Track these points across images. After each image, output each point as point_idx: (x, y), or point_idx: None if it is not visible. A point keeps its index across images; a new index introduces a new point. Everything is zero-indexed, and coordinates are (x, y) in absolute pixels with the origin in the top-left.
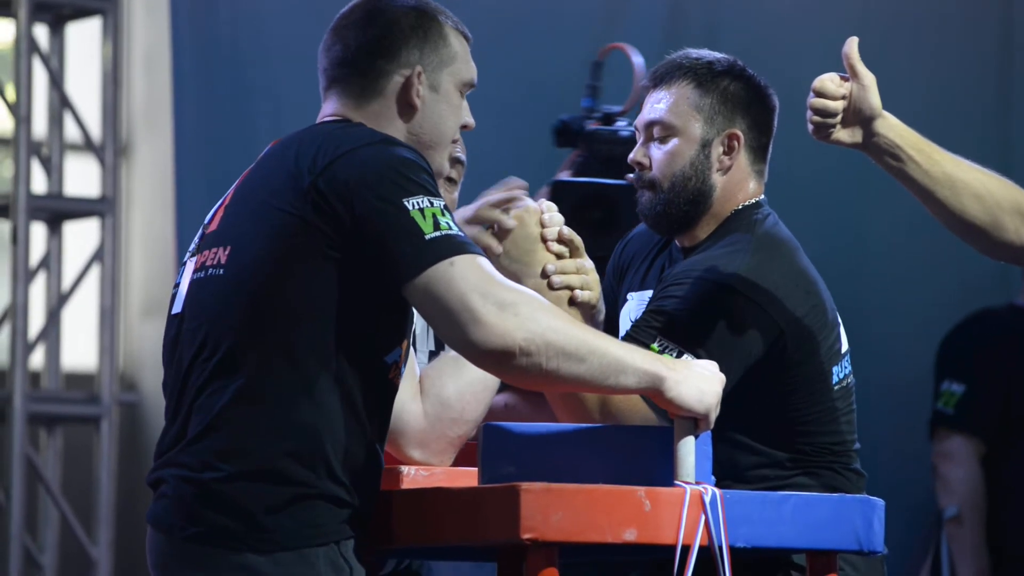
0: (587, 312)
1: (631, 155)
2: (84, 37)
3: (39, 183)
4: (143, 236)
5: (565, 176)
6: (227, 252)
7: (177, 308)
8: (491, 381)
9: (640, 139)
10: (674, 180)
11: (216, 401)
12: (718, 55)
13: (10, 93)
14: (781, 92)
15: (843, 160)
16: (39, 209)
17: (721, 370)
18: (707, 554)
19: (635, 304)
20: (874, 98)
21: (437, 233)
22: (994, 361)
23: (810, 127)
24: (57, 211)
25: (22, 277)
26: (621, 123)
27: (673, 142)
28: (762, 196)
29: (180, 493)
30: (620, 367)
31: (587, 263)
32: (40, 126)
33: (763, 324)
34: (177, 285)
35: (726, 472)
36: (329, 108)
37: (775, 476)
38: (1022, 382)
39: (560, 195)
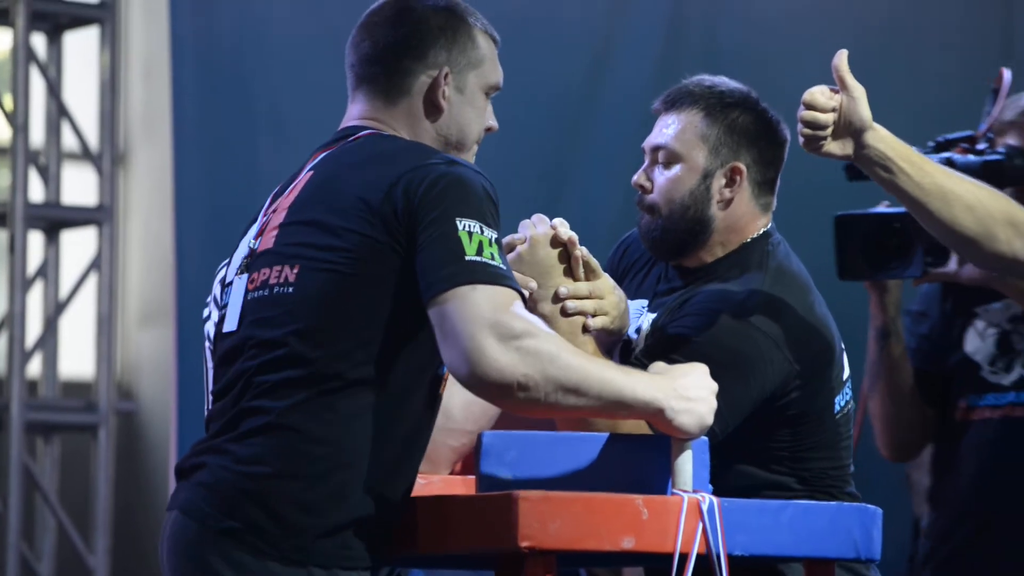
0: (603, 337)
1: (634, 177)
2: (82, 46)
3: (36, 192)
4: (141, 245)
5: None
6: (295, 271)
7: (230, 326)
8: None
9: (646, 161)
10: (672, 208)
11: (278, 405)
12: (733, 85)
13: (7, 102)
14: (780, 96)
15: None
16: (36, 218)
17: (733, 403)
18: (705, 562)
19: (629, 313)
20: (864, 110)
21: (477, 258)
22: None
23: (801, 140)
24: (54, 220)
25: (19, 285)
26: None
27: (675, 169)
28: (771, 224)
29: (220, 481)
30: (620, 400)
31: (603, 285)
32: (37, 135)
33: (778, 363)
34: (224, 305)
35: (725, 495)
36: (358, 109)
37: (774, 498)
38: None
39: (847, 229)
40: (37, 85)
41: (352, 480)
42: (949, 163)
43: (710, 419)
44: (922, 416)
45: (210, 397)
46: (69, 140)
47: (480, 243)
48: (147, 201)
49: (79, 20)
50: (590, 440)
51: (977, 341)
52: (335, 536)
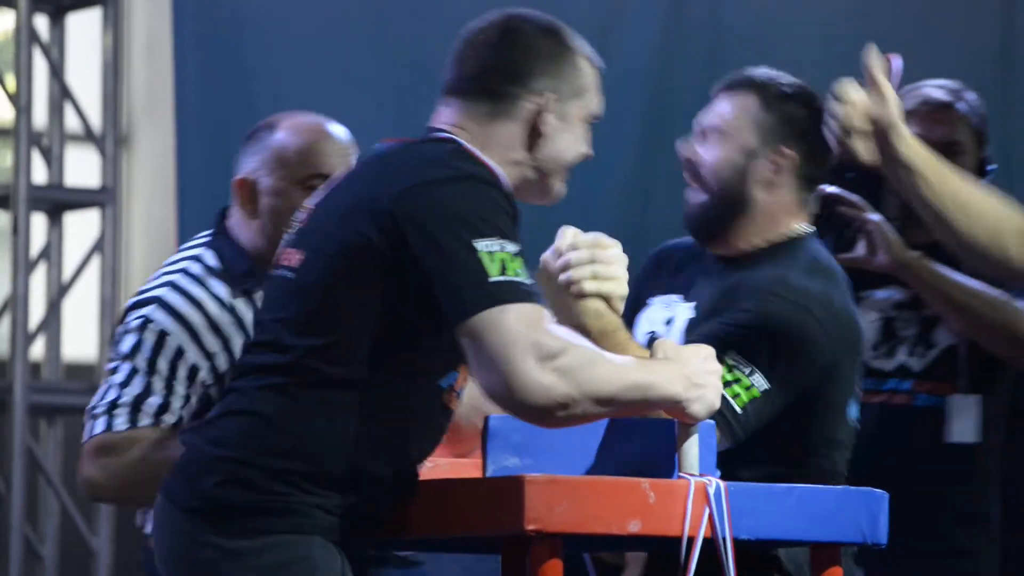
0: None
1: (681, 150)
2: (84, 27)
3: (39, 174)
4: (144, 226)
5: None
6: (301, 258)
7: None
8: None
9: (697, 138)
10: (717, 181)
11: (251, 389)
12: (793, 79)
13: (10, 83)
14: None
15: None
16: (39, 200)
17: (778, 390)
18: (711, 546)
19: (655, 308)
20: (893, 110)
21: (502, 278)
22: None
23: (828, 135)
24: (57, 202)
25: (22, 268)
26: None
27: (724, 147)
28: (813, 229)
29: (191, 462)
30: (646, 400)
31: (610, 253)
32: (40, 116)
33: (825, 350)
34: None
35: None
36: (450, 115)
37: None
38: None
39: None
40: (40, 67)
41: (310, 475)
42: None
43: (718, 403)
44: None
45: None
46: (72, 122)
47: (502, 261)
48: (150, 183)
49: (82, 1)
50: (596, 424)
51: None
52: (292, 514)
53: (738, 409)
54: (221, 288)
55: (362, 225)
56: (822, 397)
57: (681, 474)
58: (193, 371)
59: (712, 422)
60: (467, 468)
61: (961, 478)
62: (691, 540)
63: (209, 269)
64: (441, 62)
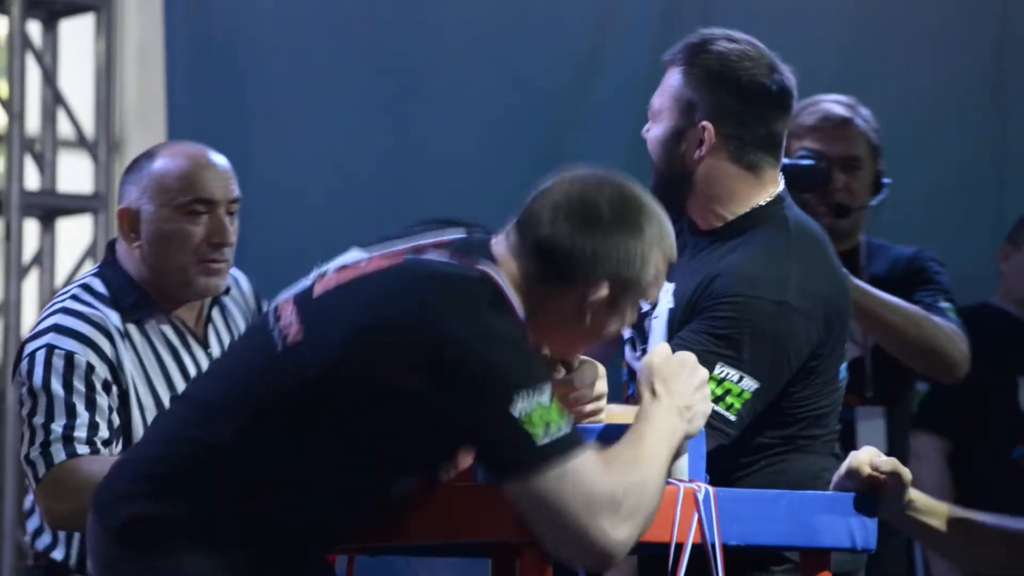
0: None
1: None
2: (77, 33)
3: (32, 179)
4: None
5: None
6: (301, 334)
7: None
8: None
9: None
10: (658, 161)
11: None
12: (724, 43)
13: (3, 89)
14: (786, 45)
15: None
16: (32, 205)
17: (769, 383)
18: (701, 552)
19: (665, 303)
20: (907, 491)
21: (547, 439)
22: None
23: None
24: (50, 207)
25: (15, 273)
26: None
27: (657, 126)
28: (781, 188)
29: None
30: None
31: (584, 378)
32: (33, 122)
33: (811, 335)
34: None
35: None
36: (504, 248)
37: (770, 455)
38: (986, 382)
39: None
40: (33, 73)
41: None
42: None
43: (708, 408)
44: None
45: None
46: (64, 128)
47: (543, 419)
48: None
49: (75, 8)
50: (587, 430)
51: None
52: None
53: (732, 417)
54: (112, 313)
55: (376, 353)
56: (813, 373)
57: (670, 480)
58: (107, 384)
59: (703, 431)
60: (458, 474)
61: None
62: (680, 546)
63: (98, 295)
64: (432, 72)
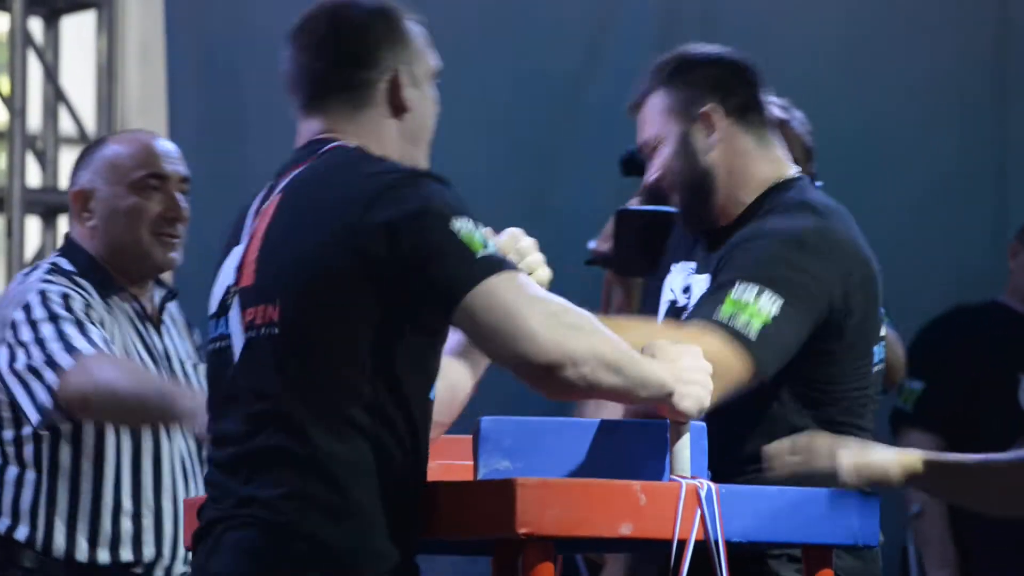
0: None
1: (645, 180)
2: (79, 30)
3: (34, 176)
4: None
5: (634, 205)
6: (278, 310)
7: (234, 360)
8: (462, 387)
9: (649, 162)
10: (675, 179)
11: (275, 465)
12: (683, 50)
13: (5, 86)
14: (777, 83)
15: (837, 155)
16: (34, 203)
17: (792, 311)
18: (703, 548)
19: (675, 275)
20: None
21: (485, 252)
22: (956, 358)
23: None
24: (52, 204)
25: (17, 270)
26: None
27: (663, 150)
28: (795, 170)
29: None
30: (644, 379)
31: (525, 243)
32: (35, 119)
33: (831, 280)
34: (226, 336)
35: (746, 419)
36: (318, 125)
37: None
38: (986, 378)
39: (625, 223)
40: (34, 70)
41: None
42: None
43: (707, 402)
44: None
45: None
46: (66, 125)
47: (483, 239)
48: None
49: (76, 5)
50: (588, 426)
51: None
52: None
53: (752, 336)
54: (86, 283)
55: (337, 259)
56: (843, 334)
57: (673, 476)
58: (101, 322)
59: (703, 424)
60: (459, 471)
61: None
62: (682, 543)
63: (67, 273)
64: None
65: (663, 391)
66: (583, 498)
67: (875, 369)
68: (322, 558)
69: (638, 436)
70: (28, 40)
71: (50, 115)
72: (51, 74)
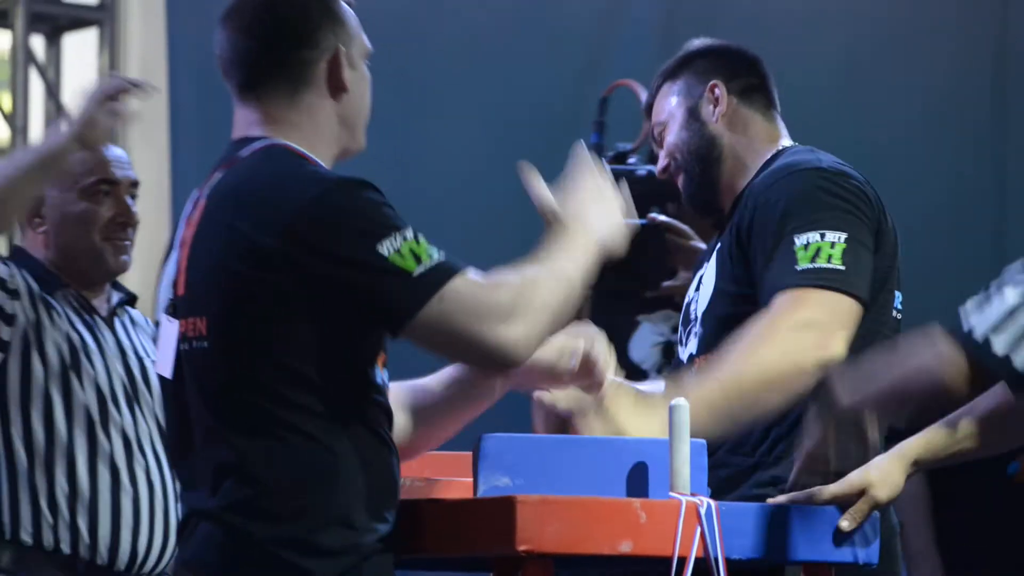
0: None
1: (657, 169)
2: (81, 47)
3: None
4: (138, 248)
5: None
6: (205, 323)
7: (165, 371)
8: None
9: (657, 148)
10: (683, 153)
11: (214, 476)
12: (686, 48)
13: (7, 103)
14: (783, 55)
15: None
16: None
17: (857, 232)
18: (703, 566)
19: (714, 248)
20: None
21: (421, 268)
22: None
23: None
24: None
25: None
26: (633, 161)
27: (671, 129)
28: (788, 140)
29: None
30: (567, 272)
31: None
32: (37, 136)
33: (860, 197)
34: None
35: None
36: (253, 114)
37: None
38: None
39: (653, 233)
40: (36, 87)
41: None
42: (650, 175)
43: (619, 225)
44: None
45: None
46: None
47: (411, 251)
48: (144, 204)
49: (78, 22)
50: (588, 443)
51: (644, 349)
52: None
53: (840, 266)
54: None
55: (253, 271)
56: (878, 271)
57: (672, 494)
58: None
59: (703, 441)
60: (458, 488)
61: None
62: (682, 560)
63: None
64: (433, 83)
65: (587, 253)
66: (583, 515)
67: (895, 314)
68: (272, 562)
69: (638, 453)
70: (30, 57)
71: None
72: (53, 91)
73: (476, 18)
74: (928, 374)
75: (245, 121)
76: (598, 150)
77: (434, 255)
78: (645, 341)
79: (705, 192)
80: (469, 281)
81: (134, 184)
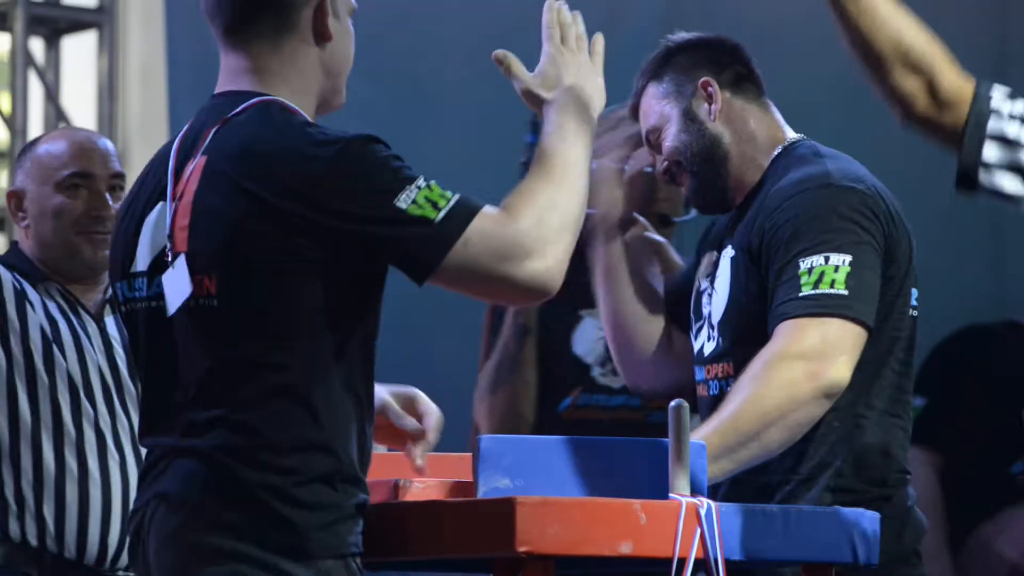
0: None
1: (657, 171)
2: (80, 50)
3: None
4: None
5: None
6: (215, 282)
7: (172, 311)
8: None
9: (651, 153)
10: (685, 155)
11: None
12: (664, 44)
13: (6, 106)
14: (778, 93)
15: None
16: None
17: (863, 255)
18: (704, 567)
19: (701, 267)
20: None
21: (441, 213)
22: (961, 377)
23: None
24: None
25: None
26: None
27: (668, 133)
28: (792, 133)
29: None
30: (579, 168)
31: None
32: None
33: (874, 211)
34: (151, 297)
35: None
36: (239, 61)
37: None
38: (992, 397)
39: None
40: (35, 89)
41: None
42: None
43: (600, 86)
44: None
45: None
46: None
47: (428, 199)
48: None
49: (77, 25)
50: (588, 444)
51: (587, 343)
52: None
53: (843, 291)
54: (20, 278)
55: (269, 230)
56: (893, 285)
57: (672, 495)
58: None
59: (702, 443)
60: (458, 489)
61: None
62: (682, 561)
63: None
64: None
65: (586, 129)
66: (583, 516)
67: (912, 312)
68: (257, 507)
69: (638, 454)
70: (29, 60)
71: None
72: (52, 94)
73: (476, 19)
74: None
75: (231, 70)
76: (533, 150)
77: (450, 196)
78: (588, 335)
79: (716, 193)
80: (489, 217)
81: (116, 176)
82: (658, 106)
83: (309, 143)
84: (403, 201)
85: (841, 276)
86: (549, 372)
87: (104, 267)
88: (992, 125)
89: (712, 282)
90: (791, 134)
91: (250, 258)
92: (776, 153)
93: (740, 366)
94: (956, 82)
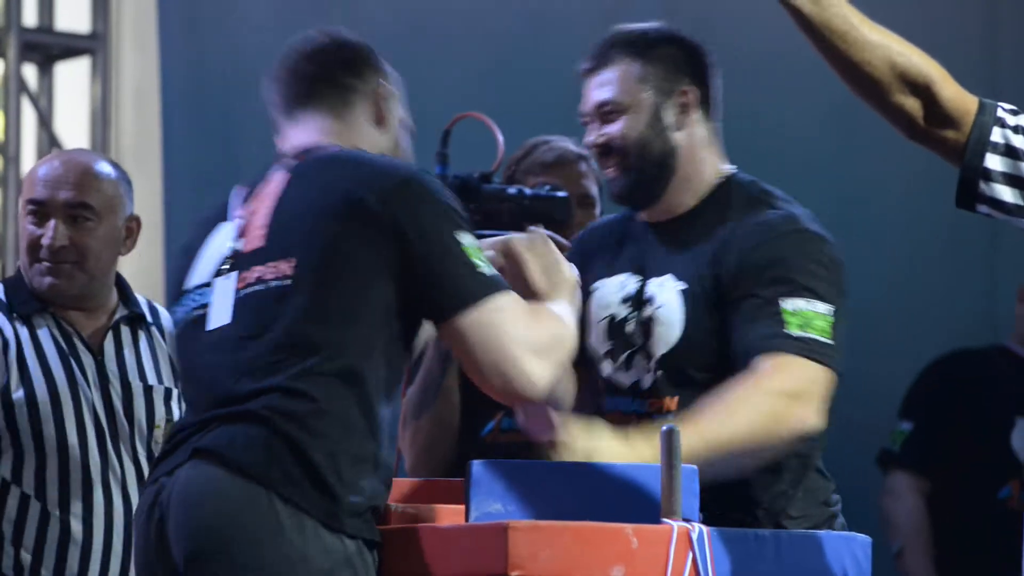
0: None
1: (588, 138)
2: (73, 76)
3: None
4: (132, 275)
5: None
6: (292, 264)
7: (221, 321)
8: None
9: (593, 123)
10: (637, 148)
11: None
12: (651, 24)
13: None
14: (775, 98)
15: (828, 190)
16: None
17: (842, 314)
18: None
19: (608, 290)
20: None
21: (485, 268)
22: (948, 401)
23: None
24: None
25: None
26: (498, 180)
27: (626, 117)
28: (734, 168)
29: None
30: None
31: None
32: (29, 165)
33: (841, 274)
34: (204, 305)
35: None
36: (306, 133)
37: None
38: (979, 421)
39: None
40: (28, 115)
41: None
42: (520, 193)
43: (572, 282)
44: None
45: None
46: None
47: (479, 252)
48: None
49: (70, 51)
50: (579, 469)
51: None
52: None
53: (829, 340)
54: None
55: (351, 216)
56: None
57: (664, 519)
58: None
59: (695, 467)
60: (450, 514)
61: None
62: None
63: None
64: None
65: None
66: (575, 541)
67: None
68: (310, 474)
69: (630, 479)
70: (22, 86)
71: None
72: (45, 120)
73: (476, 19)
74: None
75: (298, 138)
76: (443, 180)
77: (492, 268)
78: None
79: (644, 196)
80: (518, 301)
81: (72, 205)
82: (631, 87)
83: (392, 162)
84: (463, 237)
85: (827, 326)
86: (472, 396)
87: (59, 297)
88: (995, 137)
89: (640, 310)
90: (727, 166)
91: (333, 239)
92: (716, 183)
93: (688, 402)
94: (957, 96)
